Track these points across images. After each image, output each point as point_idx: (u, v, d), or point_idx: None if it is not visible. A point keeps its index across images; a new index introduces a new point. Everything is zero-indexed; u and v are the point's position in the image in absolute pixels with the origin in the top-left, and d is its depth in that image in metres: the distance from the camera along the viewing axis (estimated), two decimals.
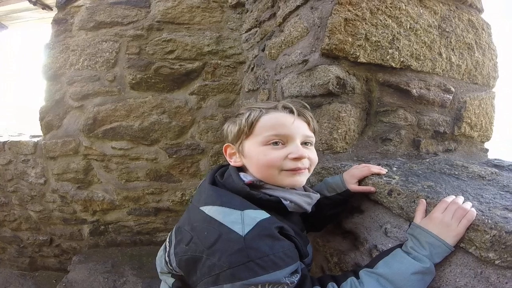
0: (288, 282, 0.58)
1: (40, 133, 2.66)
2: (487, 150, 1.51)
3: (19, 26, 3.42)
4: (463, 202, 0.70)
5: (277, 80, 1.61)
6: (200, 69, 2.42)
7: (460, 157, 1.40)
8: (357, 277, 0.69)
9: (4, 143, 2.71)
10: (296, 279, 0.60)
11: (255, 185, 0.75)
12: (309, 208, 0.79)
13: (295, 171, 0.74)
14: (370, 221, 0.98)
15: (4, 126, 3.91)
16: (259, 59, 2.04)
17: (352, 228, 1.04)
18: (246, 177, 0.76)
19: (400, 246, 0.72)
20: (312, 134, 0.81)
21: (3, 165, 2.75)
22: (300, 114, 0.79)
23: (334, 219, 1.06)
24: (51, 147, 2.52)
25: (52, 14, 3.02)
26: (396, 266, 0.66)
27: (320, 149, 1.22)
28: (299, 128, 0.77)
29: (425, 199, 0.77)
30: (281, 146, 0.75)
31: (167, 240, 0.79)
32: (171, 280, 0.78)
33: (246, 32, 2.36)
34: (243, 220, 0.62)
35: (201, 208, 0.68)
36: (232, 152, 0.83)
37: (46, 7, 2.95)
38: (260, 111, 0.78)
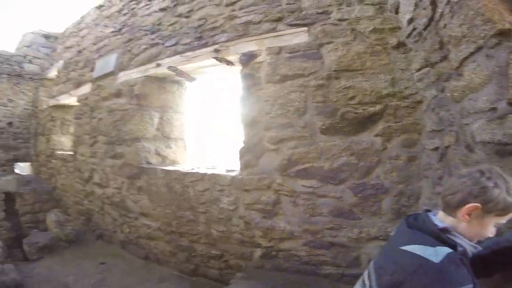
0: None
1: (230, 167, 3.37)
2: None
3: (204, 77, 4.42)
4: None
5: (466, 124, 1.76)
6: (382, 111, 2.68)
7: None
8: None
9: (204, 174, 3.51)
10: None
11: (445, 230, 1.03)
12: (470, 254, 1.05)
13: None
14: None
15: (199, 158, 5.00)
16: (440, 100, 2.17)
17: None
18: (441, 223, 1.06)
19: None
20: None
21: (200, 191, 3.54)
22: None
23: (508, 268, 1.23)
24: (247, 182, 3.16)
25: (232, 68, 3.75)
26: None
27: None
28: None
29: None
30: None
31: (365, 277, 1.16)
32: None
33: (417, 71, 2.50)
34: (437, 253, 0.93)
35: (402, 248, 1.01)
36: (471, 213, 1.01)
37: (229, 63, 3.63)
38: None
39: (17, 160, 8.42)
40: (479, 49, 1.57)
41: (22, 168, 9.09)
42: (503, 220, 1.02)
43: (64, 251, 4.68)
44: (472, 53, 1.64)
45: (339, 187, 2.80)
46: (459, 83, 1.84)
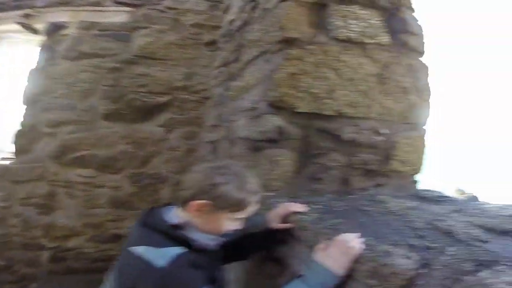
0: None
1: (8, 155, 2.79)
2: (416, 182, 1.70)
3: (6, 45, 3.64)
4: (354, 239, 0.89)
5: (233, 121, 1.87)
6: (170, 102, 2.68)
7: (391, 190, 1.58)
8: None
9: None
10: None
11: (176, 226, 0.94)
12: (212, 246, 1.00)
13: None
14: (293, 251, 1.16)
15: None
16: (223, 97, 2.29)
17: (281, 257, 1.23)
18: (176, 218, 0.95)
19: (299, 276, 0.90)
20: None
21: None
22: None
23: (260, 250, 1.29)
24: (18, 172, 2.67)
25: (40, 37, 3.21)
26: None
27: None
28: None
29: (327, 236, 0.97)
30: None
31: (112, 278, 0.97)
32: None
33: (216, 69, 2.61)
34: (162, 255, 0.83)
35: (129, 248, 0.88)
36: (203, 210, 0.94)
37: (35, 31, 3.15)
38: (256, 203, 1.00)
39: None
40: (263, 53, 1.63)
41: None
42: (241, 215, 0.98)
43: None
44: (256, 57, 1.71)
45: (116, 176, 2.69)
46: (238, 83, 1.93)
